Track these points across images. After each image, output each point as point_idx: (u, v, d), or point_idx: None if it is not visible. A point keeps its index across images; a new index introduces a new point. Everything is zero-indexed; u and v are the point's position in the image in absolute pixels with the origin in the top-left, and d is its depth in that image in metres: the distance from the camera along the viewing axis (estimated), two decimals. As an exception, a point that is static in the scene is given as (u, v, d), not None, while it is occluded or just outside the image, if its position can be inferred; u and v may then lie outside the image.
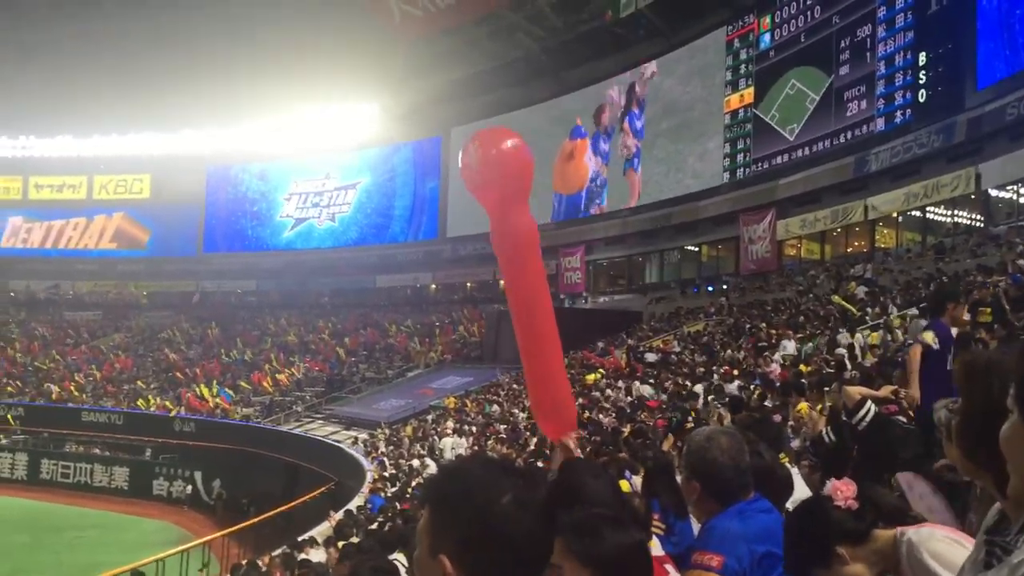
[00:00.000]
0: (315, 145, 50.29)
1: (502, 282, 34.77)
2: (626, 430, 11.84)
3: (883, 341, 14.30)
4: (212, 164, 54.16)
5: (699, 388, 15.52)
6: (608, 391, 20.53)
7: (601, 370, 24.35)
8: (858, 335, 15.62)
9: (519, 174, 3.68)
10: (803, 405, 9.42)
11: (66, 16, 45.26)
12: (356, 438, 28.66)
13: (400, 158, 49.32)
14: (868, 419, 5.45)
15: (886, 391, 6.41)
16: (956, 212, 26.64)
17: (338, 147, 49.98)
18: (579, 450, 3.76)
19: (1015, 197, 24.53)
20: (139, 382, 41.49)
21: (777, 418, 8.80)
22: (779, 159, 31.32)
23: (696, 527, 3.28)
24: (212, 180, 54.92)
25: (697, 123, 35.18)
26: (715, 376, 17.06)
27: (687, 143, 35.48)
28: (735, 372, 16.74)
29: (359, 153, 50.28)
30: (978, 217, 25.72)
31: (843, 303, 19.97)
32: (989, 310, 10.18)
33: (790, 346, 17.31)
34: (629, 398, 18.53)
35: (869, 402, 5.57)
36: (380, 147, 49.47)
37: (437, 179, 47.00)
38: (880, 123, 27.28)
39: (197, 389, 38.59)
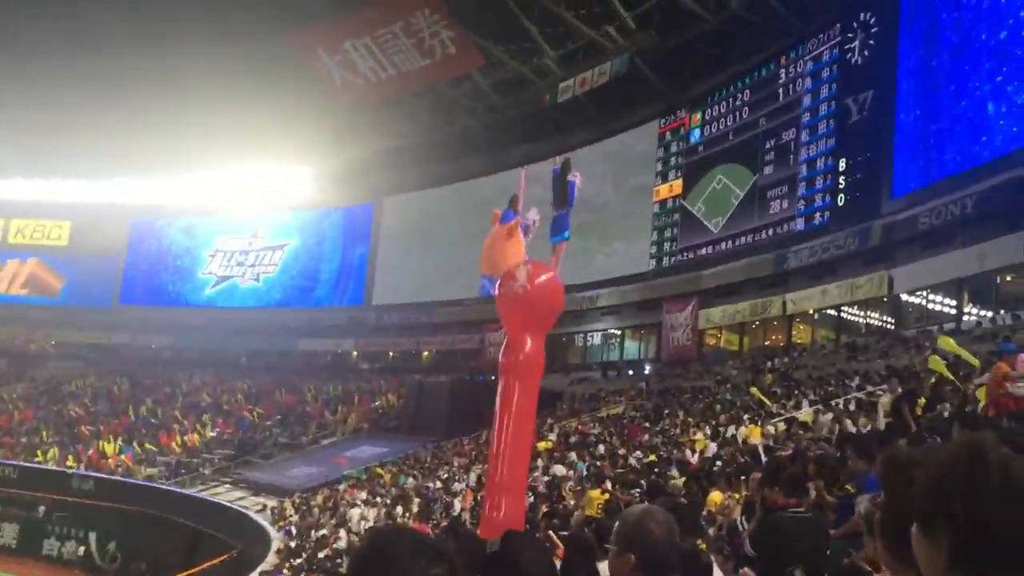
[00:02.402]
0: (245, 204, 49.83)
1: (424, 352, 34.57)
2: (543, 510, 11.80)
3: (788, 434, 14.61)
4: (137, 215, 53.19)
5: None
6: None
7: (551, 439, 24.40)
8: (769, 427, 15.94)
9: (557, 303, 4.01)
10: (715, 494, 9.54)
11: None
12: (264, 505, 27.86)
13: (330, 222, 49.16)
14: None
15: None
16: (869, 313, 27.58)
17: (268, 207, 49.61)
18: None
19: (924, 303, 25.52)
20: (43, 433, 39.80)
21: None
22: (704, 250, 32.13)
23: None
24: (136, 231, 53.88)
25: (626, 210, 35.92)
26: (632, 459, 17.16)
27: (615, 228, 36.13)
28: (653, 457, 16.85)
29: (290, 215, 49.99)
30: (889, 319, 26.65)
31: (760, 396, 20.38)
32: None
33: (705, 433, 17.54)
34: (546, 478, 18.46)
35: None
36: (311, 210, 49.26)
37: (366, 246, 46.91)
38: (800, 223, 28.28)
39: (100, 445, 37.16)
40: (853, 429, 11.28)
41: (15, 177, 52.38)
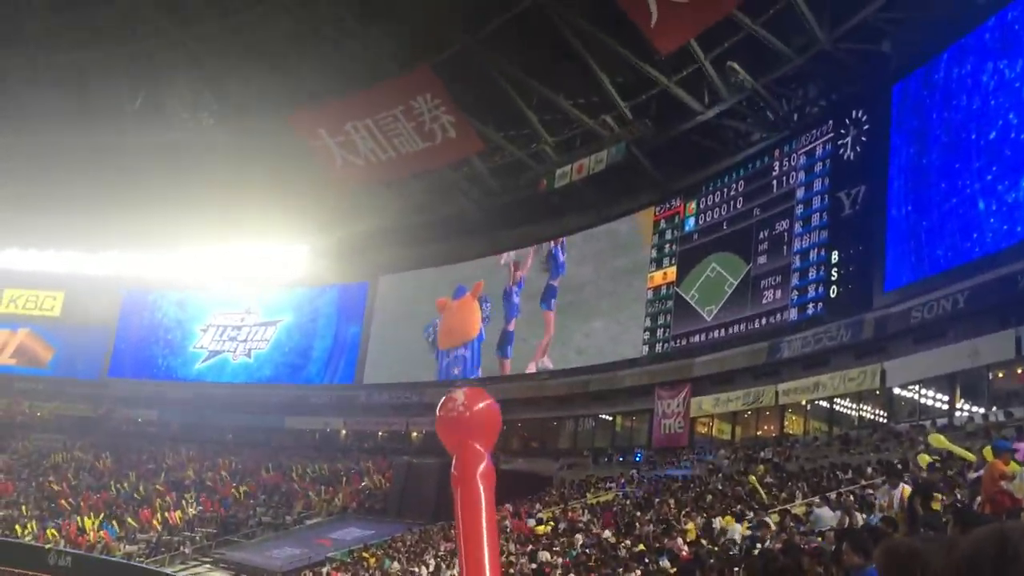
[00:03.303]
0: (239, 279, 49.89)
1: (414, 433, 34.42)
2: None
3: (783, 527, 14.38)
4: (130, 288, 53.22)
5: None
6: (511, 557, 20.03)
7: (551, 522, 24.16)
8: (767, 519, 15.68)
9: (495, 426, 4.28)
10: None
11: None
12: (244, 587, 27.21)
13: (325, 300, 49.20)
14: None
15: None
16: (861, 406, 27.48)
17: (263, 283, 49.66)
18: None
19: (917, 397, 25.45)
20: (23, 507, 39.03)
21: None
22: (696, 338, 32.16)
23: None
24: (128, 304, 53.83)
25: (619, 295, 36.06)
26: (621, 549, 16.86)
27: (607, 312, 36.23)
28: (642, 547, 16.56)
29: (284, 291, 50.02)
30: (882, 413, 26.55)
31: (756, 486, 20.17)
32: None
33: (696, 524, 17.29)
34: (533, 565, 18.09)
35: None
36: (307, 287, 49.34)
37: (360, 324, 46.85)
38: (793, 313, 28.39)
39: (80, 521, 36.43)
40: (860, 523, 11.13)
41: (11, 247, 52.51)
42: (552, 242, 39.35)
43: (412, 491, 34.77)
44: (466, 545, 3.97)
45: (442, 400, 4.21)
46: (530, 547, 20.61)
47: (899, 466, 15.62)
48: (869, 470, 18.76)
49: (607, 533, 20.22)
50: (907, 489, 10.89)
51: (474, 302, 41.24)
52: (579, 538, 20.48)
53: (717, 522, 17.20)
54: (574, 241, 38.76)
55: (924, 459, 13.89)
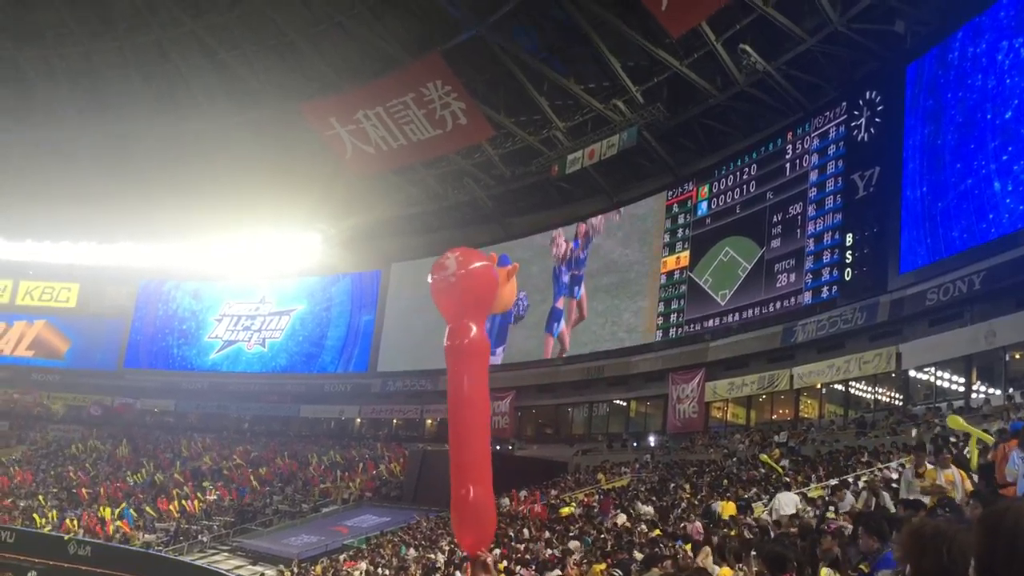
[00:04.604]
0: (254, 269, 50.04)
1: (428, 421, 34.39)
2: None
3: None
4: (146, 278, 53.47)
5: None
6: (529, 543, 20.09)
7: (575, 503, 24.29)
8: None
9: (489, 290, 3.98)
10: (725, 571, 9.35)
11: (8, 121, 45.21)
12: (262, 574, 27.39)
13: (338, 288, 49.30)
14: None
15: None
16: (877, 389, 27.37)
17: (277, 272, 49.80)
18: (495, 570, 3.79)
19: (933, 379, 25.32)
20: (40, 497, 39.40)
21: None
22: (710, 322, 32.07)
23: None
24: (143, 295, 54.09)
25: (633, 281, 35.99)
26: (635, 534, 16.87)
27: (624, 299, 36.17)
28: (657, 531, 16.57)
29: (298, 280, 50.17)
30: (898, 395, 26.44)
31: (771, 463, 20.12)
32: None
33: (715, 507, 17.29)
34: (549, 551, 18.13)
35: None
36: (320, 276, 49.46)
37: (373, 312, 46.95)
38: (807, 296, 28.26)
39: (99, 510, 36.73)
40: (891, 503, 11.07)
41: (26, 240, 52.82)
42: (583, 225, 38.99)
43: (427, 478, 34.87)
44: (469, 417, 3.92)
45: (433, 264, 4.04)
46: (545, 533, 20.65)
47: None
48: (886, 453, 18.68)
49: (623, 518, 20.25)
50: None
51: (513, 280, 40.91)
52: (595, 524, 20.50)
53: (717, 506, 17.24)
54: (590, 229, 38.64)
55: (956, 420, 13.74)
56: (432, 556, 22.98)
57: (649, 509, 20.05)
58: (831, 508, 13.15)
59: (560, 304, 39.11)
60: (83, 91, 44.16)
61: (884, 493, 11.98)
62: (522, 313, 40.01)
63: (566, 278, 39.05)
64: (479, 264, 3.99)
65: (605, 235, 38.00)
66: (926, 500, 10.01)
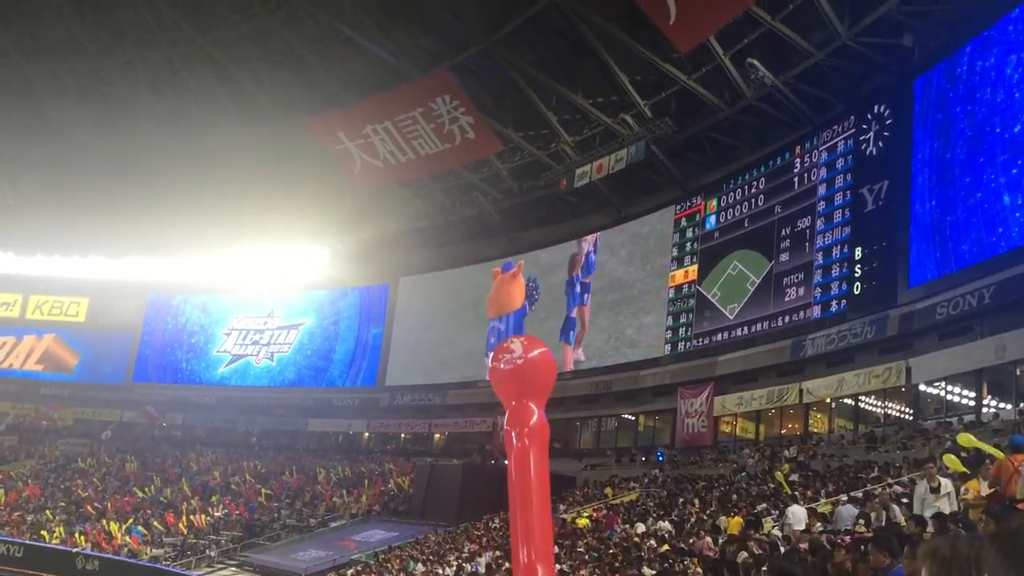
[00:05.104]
0: (262, 282, 50.12)
1: (436, 435, 34.43)
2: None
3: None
4: (154, 292, 53.61)
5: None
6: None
7: (589, 514, 24.28)
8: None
9: (551, 376, 4.18)
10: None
11: (19, 135, 45.50)
12: (269, 589, 27.32)
13: (347, 302, 49.33)
14: None
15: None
16: (887, 403, 27.23)
17: (285, 286, 49.87)
18: None
19: (943, 394, 25.19)
20: (50, 512, 39.41)
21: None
22: (719, 336, 31.98)
23: None
24: (152, 309, 54.22)
25: (641, 295, 35.94)
26: (644, 549, 16.78)
27: (629, 315, 36.11)
28: (666, 546, 16.48)
29: (306, 294, 50.22)
30: (907, 410, 26.29)
31: (783, 481, 20.02)
32: None
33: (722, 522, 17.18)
34: (559, 567, 18.04)
35: None
36: (328, 290, 49.51)
37: (381, 326, 46.95)
38: (817, 310, 28.17)
39: (106, 524, 36.72)
40: (902, 519, 10.98)
41: (36, 254, 53.05)
42: (587, 240, 38.99)
43: (435, 492, 34.80)
44: (515, 499, 3.93)
45: (495, 349, 4.15)
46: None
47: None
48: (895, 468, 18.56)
49: (632, 533, 20.14)
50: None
51: (519, 277, 41.03)
52: (603, 539, 20.41)
53: (722, 521, 17.13)
54: (598, 243, 38.64)
55: (951, 459, 13.65)
56: (440, 571, 22.88)
57: (667, 525, 19.94)
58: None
59: (574, 314, 39.08)
60: (93, 106, 44.38)
61: (895, 507, 11.91)
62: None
63: (578, 288, 39.06)
64: (542, 350, 4.10)
65: (608, 253, 37.97)
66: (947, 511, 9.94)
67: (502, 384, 4.06)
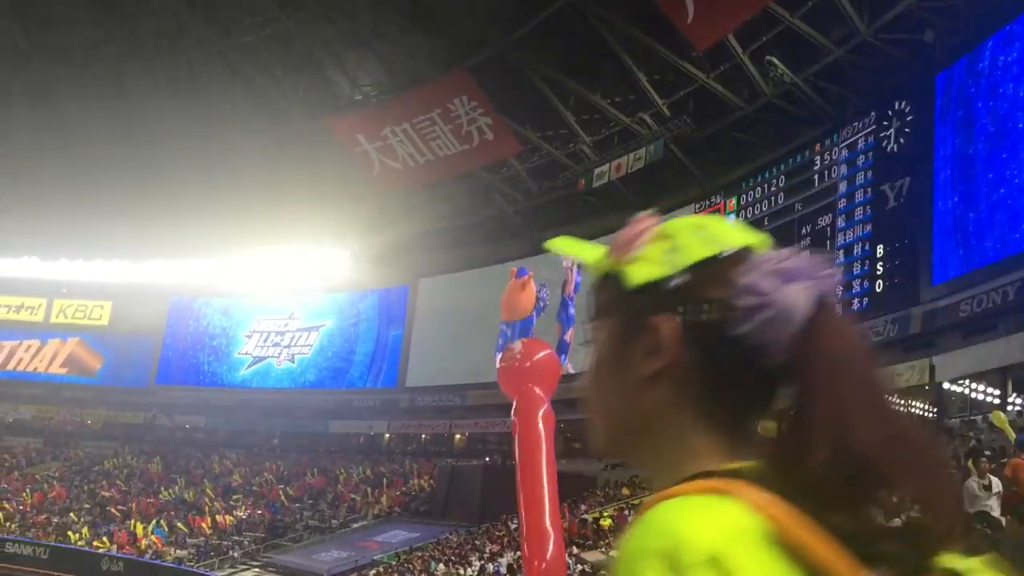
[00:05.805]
0: (282, 285, 50.31)
1: (457, 436, 34.40)
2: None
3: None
4: (176, 296, 53.94)
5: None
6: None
7: (611, 513, 24.35)
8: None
9: (554, 376, 4.33)
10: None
11: (42, 140, 45.93)
12: (292, 590, 27.46)
13: (366, 304, 49.46)
14: None
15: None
16: (910, 402, 26.98)
17: (306, 289, 50.04)
18: None
19: (967, 392, 24.96)
20: (72, 514, 39.77)
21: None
22: (740, 335, 31.75)
23: None
24: (175, 311, 54.55)
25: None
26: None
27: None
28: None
29: (326, 296, 50.37)
30: (931, 408, 26.07)
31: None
32: None
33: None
34: (580, 567, 18.03)
35: None
36: (348, 292, 49.63)
37: (401, 328, 47.04)
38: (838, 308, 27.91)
39: (131, 526, 37.01)
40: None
41: (59, 259, 53.51)
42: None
43: (456, 493, 34.86)
44: (525, 485, 3.99)
45: (502, 352, 4.29)
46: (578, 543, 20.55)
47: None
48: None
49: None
50: None
51: (529, 286, 40.92)
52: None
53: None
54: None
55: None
56: (462, 571, 22.92)
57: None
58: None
59: (568, 336, 38.54)
60: (114, 111, 44.74)
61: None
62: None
63: (572, 310, 38.73)
64: (544, 353, 4.30)
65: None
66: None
67: (507, 384, 4.18)
